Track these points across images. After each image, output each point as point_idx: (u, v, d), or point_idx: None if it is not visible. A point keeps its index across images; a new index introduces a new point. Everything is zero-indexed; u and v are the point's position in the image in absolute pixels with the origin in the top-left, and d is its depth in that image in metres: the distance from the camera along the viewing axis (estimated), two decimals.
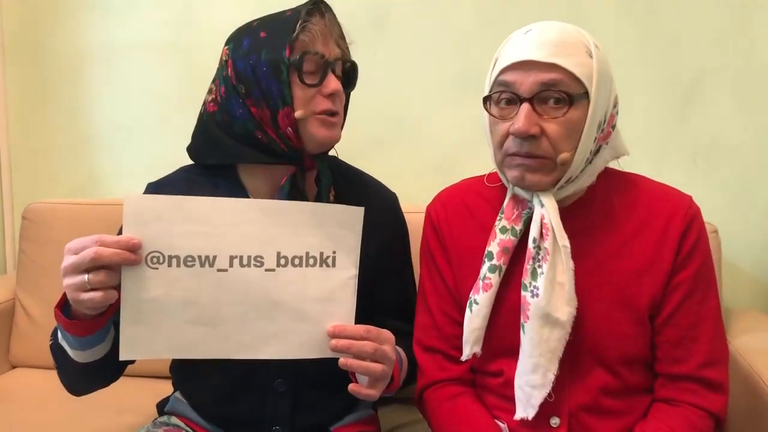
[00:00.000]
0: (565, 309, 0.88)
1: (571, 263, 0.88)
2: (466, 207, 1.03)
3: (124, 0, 1.74)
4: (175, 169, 1.10)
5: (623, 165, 0.99)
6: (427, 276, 1.06)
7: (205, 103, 1.02)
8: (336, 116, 0.97)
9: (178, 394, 1.12)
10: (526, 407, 0.91)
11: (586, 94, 0.85)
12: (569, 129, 0.86)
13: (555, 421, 0.94)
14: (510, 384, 0.94)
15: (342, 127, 1.02)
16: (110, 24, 1.76)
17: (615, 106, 0.90)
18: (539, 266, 0.89)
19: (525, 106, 0.85)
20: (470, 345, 0.94)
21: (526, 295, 0.90)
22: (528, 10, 1.59)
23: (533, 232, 0.90)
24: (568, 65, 0.84)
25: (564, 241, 0.88)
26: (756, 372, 1.12)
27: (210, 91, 1.01)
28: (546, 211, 0.89)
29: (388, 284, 1.09)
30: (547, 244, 0.89)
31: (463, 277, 0.99)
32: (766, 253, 1.59)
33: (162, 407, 1.14)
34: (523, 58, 0.86)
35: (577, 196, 0.96)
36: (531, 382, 0.90)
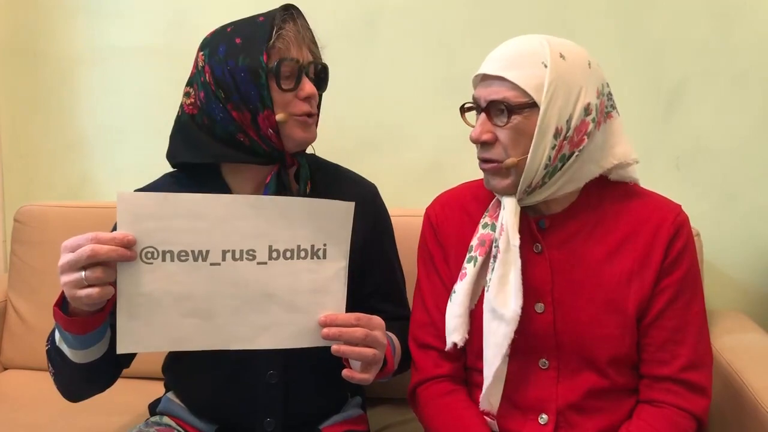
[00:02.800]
0: (510, 306, 0.91)
1: (518, 262, 0.92)
2: (463, 209, 1.06)
3: (117, 4, 1.75)
4: (166, 171, 1.11)
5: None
6: (425, 275, 1.08)
7: (182, 106, 1.04)
8: (312, 117, 1.02)
9: (170, 394, 1.13)
10: (484, 401, 0.96)
11: (535, 104, 0.89)
12: (517, 135, 0.91)
13: (543, 419, 0.96)
14: None
15: (317, 126, 1.06)
16: (102, 28, 1.76)
17: (589, 114, 0.91)
18: (493, 262, 0.94)
19: (481, 116, 0.94)
20: (450, 333, 0.96)
21: (485, 289, 0.95)
22: (515, 17, 1.61)
23: (496, 231, 0.95)
24: (512, 77, 0.89)
25: (515, 240, 0.92)
26: (735, 371, 1.14)
27: (188, 95, 1.03)
28: (505, 212, 0.94)
29: (375, 269, 1.12)
30: (501, 242, 0.93)
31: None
32: (746, 256, 1.62)
33: (154, 408, 1.15)
34: (480, 72, 0.94)
35: (568, 202, 0.99)
36: (486, 375, 0.94)
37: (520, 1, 1.61)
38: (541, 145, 0.90)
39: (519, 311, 0.91)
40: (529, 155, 0.90)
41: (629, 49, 1.59)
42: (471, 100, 0.97)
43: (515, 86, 0.89)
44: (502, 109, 0.90)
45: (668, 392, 0.94)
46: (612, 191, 1.00)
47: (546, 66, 0.89)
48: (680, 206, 0.99)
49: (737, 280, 1.62)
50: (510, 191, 0.95)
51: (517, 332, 0.92)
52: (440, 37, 1.65)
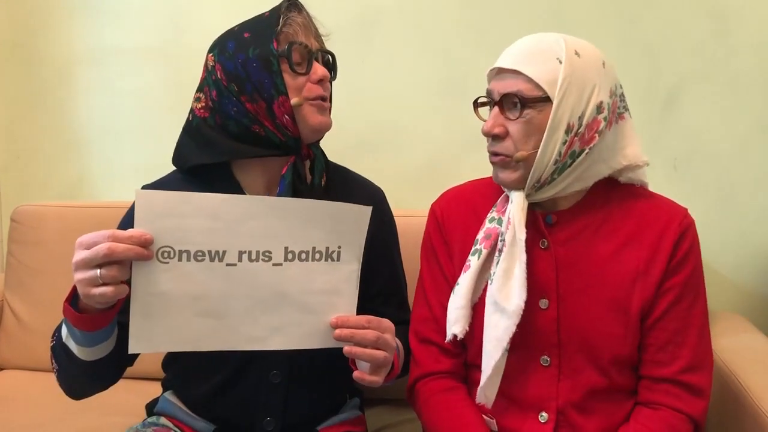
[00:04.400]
0: (513, 300, 0.91)
1: (523, 256, 0.92)
2: (470, 205, 1.07)
3: (115, 5, 1.75)
4: (164, 171, 1.11)
5: None
6: (428, 271, 1.08)
7: (193, 110, 1.03)
8: (327, 101, 1.02)
9: (167, 394, 1.13)
10: (480, 394, 0.95)
11: (548, 98, 0.90)
12: (529, 129, 0.92)
13: (543, 417, 0.96)
14: None
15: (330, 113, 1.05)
16: (100, 28, 1.76)
17: (601, 112, 0.92)
18: (498, 256, 0.94)
19: (494, 110, 0.95)
20: (451, 325, 0.96)
21: (488, 282, 0.95)
22: (512, 18, 1.61)
23: (503, 225, 0.96)
24: (527, 71, 0.91)
25: (521, 234, 0.92)
26: (732, 373, 1.15)
27: (198, 100, 1.03)
28: (512, 205, 0.95)
29: (379, 273, 1.12)
30: (507, 236, 0.94)
31: None
32: (743, 257, 1.63)
33: (151, 408, 1.14)
34: (495, 66, 0.96)
35: (576, 200, 0.99)
36: (484, 368, 0.94)
37: (519, 2, 1.61)
38: (552, 140, 0.91)
39: (522, 305, 0.90)
40: (539, 149, 0.91)
41: (627, 50, 1.60)
42: (483, 96, 0.98)
43: (529, 80, 0.90)
44: (516, 102, 0.91)
45: (667, 394, 0.94)
46: (619, 191, 1.00)
47: (561, 62, 0.90)
48: (686, 209, 1.00)
49: (734, 282, 1.63)
50: (518, 185, 0.95)
51: (519, 328, 0.92)
52: (439, 38, 1.65)
